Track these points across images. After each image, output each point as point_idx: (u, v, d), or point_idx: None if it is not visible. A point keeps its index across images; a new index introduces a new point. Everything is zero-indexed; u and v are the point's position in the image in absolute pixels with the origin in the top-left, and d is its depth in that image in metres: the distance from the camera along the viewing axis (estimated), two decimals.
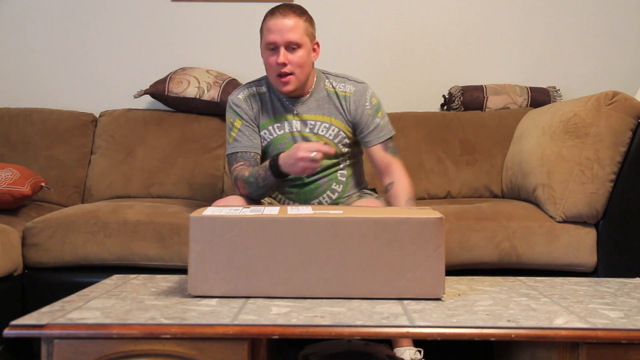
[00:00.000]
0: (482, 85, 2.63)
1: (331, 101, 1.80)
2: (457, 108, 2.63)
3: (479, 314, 1.09)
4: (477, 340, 1.02)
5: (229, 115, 1.83)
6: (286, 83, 1.73)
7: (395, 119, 2.57)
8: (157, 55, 2.77)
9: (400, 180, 1.76)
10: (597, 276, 1.84)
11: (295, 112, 1.80)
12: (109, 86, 2.79)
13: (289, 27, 1.70)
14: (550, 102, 2.56)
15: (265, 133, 1.82)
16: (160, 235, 1.90)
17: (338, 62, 2.77)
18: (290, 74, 1.72)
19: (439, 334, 1.02)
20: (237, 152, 1.79)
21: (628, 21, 2.77)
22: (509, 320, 1.05)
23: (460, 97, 2.62)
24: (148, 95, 2.64)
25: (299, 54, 1.71)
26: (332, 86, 1.82)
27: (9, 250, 1.80)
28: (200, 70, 2.61)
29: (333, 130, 1.79)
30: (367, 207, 1.38)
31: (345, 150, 1.83)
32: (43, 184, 2.16)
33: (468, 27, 2.80)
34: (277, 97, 1.82)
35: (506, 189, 2.34)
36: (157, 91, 2.56)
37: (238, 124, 1.80)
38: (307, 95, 1.81)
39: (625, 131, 1.82)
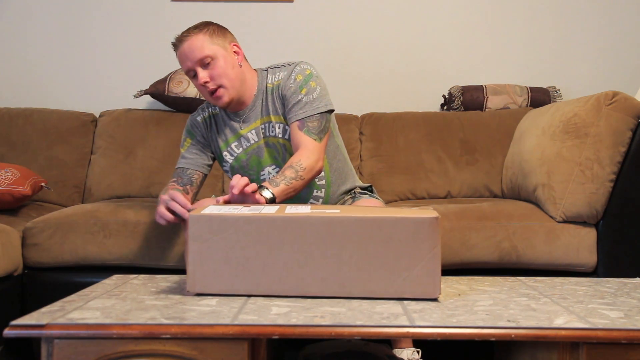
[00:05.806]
0: (482, 85, 2.63)
1: (271, 98, 1.75)
2: (457, 108, 2.63)
3: (479, 314, 1.09)
4: (477, 340, 1.02)
5: (184, 133, 1.85)
6: (218, 97, 1.70)
7: (395, 119, 2.59)
8: (157, 55, 2.77)
9: (296, 155, 1.63)
10: (597, 276, 1.84)
11: (241, 126, 1.77)
12: (109, 86, 2.79)
13: (192, 47, 1.67)
14: (550, 102, 2.56)
15: (226, 155, 1.80)
16: (160, 235, 1.90)
17: (338, 63, 2.77)
18: (218, 87, 1.69)
19: (439, 334, 1.01)
20: (178, 168, 1.81)
21: (628, 21, 2.78)
22: (509, 320, 1.05)
23: (460, 97, 2.62)
24: (148, 95, 2.64)
25: (216, 65, 1.68)
26: (270, 81, 1.77)
27: (9, 250, 1.80)
28: None
29: (279, 127, 1.75)
30: (364, 207, 1.38)
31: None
32: (43, 184, 2.16)
33: (468, 27, 2.80)
34: (228, 115, 1.80)
35: (506, 189, 2.34)
36: (157, 91, 2.56)
37: (188, 142, 1.83)
38: (251, 103, 1.77)
39: (625, 131, 1.82)
